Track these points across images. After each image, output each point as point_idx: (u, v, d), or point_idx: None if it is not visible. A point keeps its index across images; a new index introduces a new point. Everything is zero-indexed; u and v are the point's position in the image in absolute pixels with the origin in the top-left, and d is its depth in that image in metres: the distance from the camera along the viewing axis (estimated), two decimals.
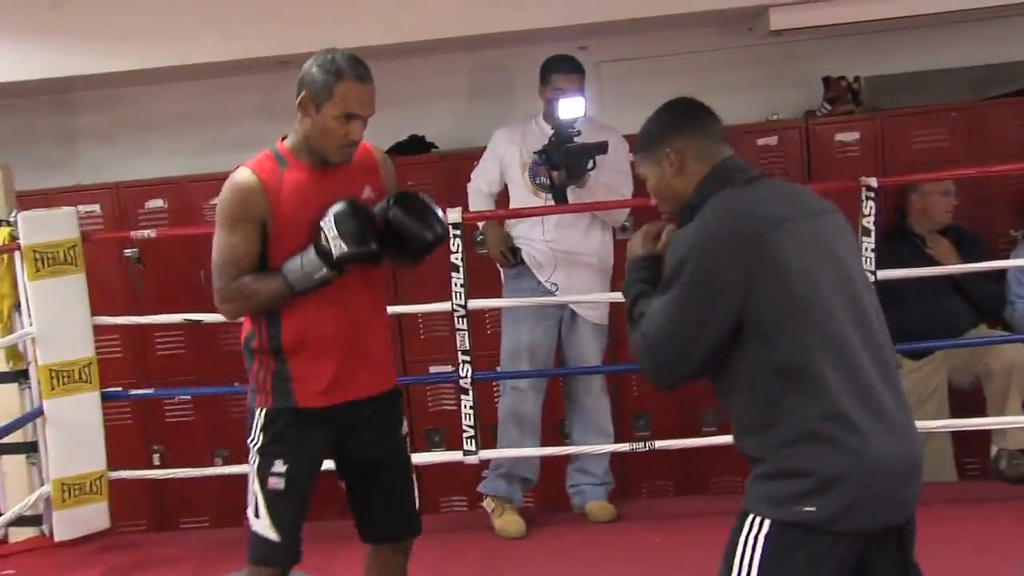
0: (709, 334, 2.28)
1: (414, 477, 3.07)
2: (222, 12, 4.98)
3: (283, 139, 2.94)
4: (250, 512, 2.92)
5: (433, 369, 5.23)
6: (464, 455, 4.38)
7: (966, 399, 4.94)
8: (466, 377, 4.31)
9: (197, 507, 5.46)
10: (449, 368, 4.49)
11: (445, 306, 4.33)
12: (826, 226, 2.41)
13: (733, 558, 2.27)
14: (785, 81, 5.59)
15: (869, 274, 4.17)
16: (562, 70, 4.43)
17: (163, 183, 5.52)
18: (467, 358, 4.30)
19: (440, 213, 2.94)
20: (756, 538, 2.24)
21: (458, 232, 4.21)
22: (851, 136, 5.28)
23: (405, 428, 3.07)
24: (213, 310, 4.68)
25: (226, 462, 5.36)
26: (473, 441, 4.34)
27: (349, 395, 2.90)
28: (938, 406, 4.91)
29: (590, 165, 4.24)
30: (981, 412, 4.75)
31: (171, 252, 5.34)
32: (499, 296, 4.62)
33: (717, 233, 2.30)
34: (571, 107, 4.25)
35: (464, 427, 4.33)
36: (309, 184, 2.84)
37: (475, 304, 4.34)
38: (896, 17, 5.01)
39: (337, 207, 2.77)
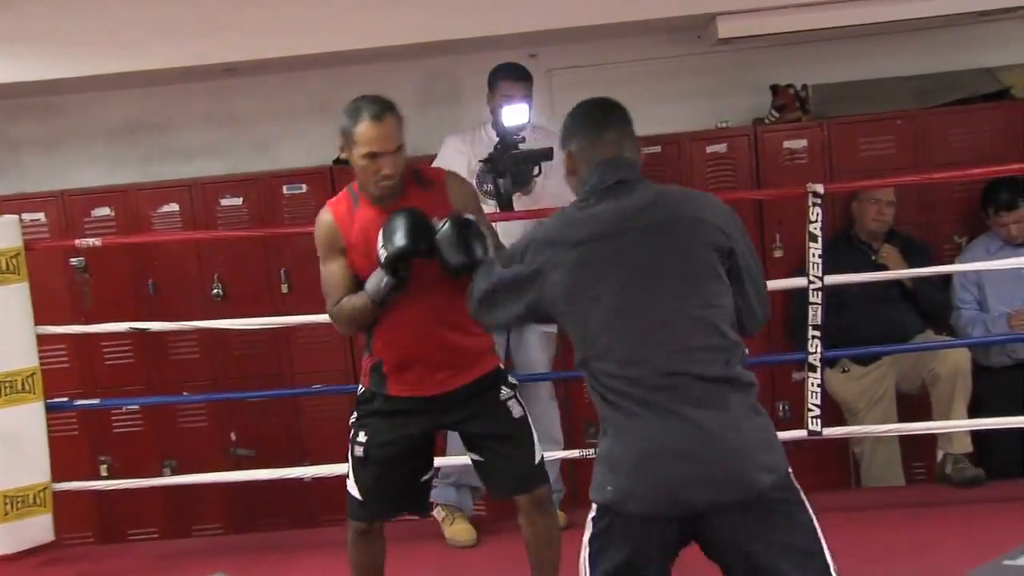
0: (513, 306, 2.72)
1: (528, 437, 3.35)
2: (168, 20, 4.93)
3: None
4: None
5: None
6: None
7: (913, 404, 4.99)
8: None
9: (145, 518, 5.39)
10: None
11: None
12: (645, 237, 2.59)
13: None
14: (734, 89, 5.62)
15: (815, 279, 4.21)
16: (509, 77, 4.44)
17: (110, 191, 5.45)
18: None
19: (487, 246, 3.10)
20: (588, 521, 2.59)
21: None
22: (799, 143, 5.32)
23: (505, 395, 3.35)
24: (160, 319, 4.71)
25: (174, 472, 5.31)
26: None
27: (428, 391, 3.28)
28: (886, 411, 4.95)
29: (536, 172, 4.24)
30: (928, 417, 4.80)
31: (118, 261, 5.29)
32: None
33: (538, 242, 2.67)
34: (515, 114, 4.25)
35: None
36: (376, 219, 3.17)
37: None
38: (842, 26, 5.06)
39: (387, 220, 3.09)
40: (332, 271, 3.26)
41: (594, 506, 2.58)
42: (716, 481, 2.46)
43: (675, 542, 2.55)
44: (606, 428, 2.60)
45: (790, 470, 2.57)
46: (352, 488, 3.34)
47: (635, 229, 2.59)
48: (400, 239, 3.03)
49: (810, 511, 2.56)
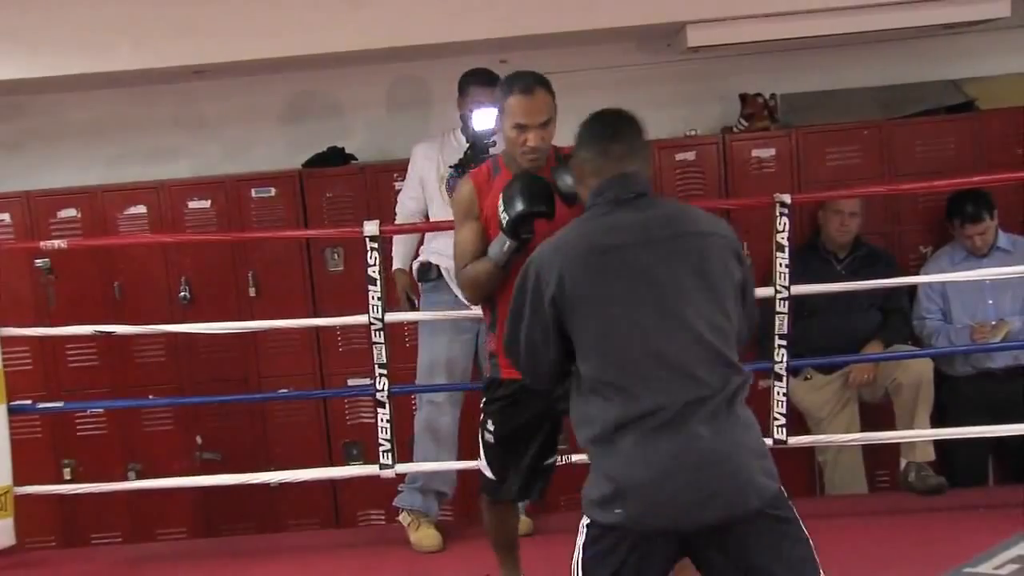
0: (546, 344, 2.65)
1: None
2: (136, 21, 4.88)
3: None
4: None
5: (351, 382, 5.20)
6: (380, 469, 4.34)
7: (876, 413, 5.02)
8: (383, 390, 4.27)
9: (109, 522, 5.35)
10: (367, 381, 4.46)
11: (362, 319, 4.30)
12: (670, 250, 2.59)
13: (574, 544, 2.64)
14: (702, 97, 5.65)
15: (782, 289, 4.22)
16: (480, 83, 4.43)
17: (76, 192, 5.40)
18: (384, 371, 4.26)
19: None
20: (581, 527, 2.61)
21: (375, 246, 4.18)
22: (767, 152, 5.35)
23: None
24: (126, 321, 4.68)
25: (139, 476, 5.27)
26: (389, 455, 4.30)
27: None
28: (849, 420, 4.99)
29: None
30: (891, 426, 4.83)
31: (84, 263, 5.25)
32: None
33: (544, 257, 2.65)
34: (484, 118, 4.25)
35: (380, 440, 4.29)
36: None
37: (392, 317, 4.32)
38: (810, 36, 5.09)
39: (504, 186, 3.20)
40: (464, 236, 3.36)
41: (585, 517, 2.60)
42: (724, 497, 2.48)
43: (674, 557, 2.58)
44: (607, 441, 2.56)
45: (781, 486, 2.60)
46: (485, 469, 3.52)
47: (657, 241, 2.60)
48: (519, 203, 3.12)
49: (803, 527, 2.60)
